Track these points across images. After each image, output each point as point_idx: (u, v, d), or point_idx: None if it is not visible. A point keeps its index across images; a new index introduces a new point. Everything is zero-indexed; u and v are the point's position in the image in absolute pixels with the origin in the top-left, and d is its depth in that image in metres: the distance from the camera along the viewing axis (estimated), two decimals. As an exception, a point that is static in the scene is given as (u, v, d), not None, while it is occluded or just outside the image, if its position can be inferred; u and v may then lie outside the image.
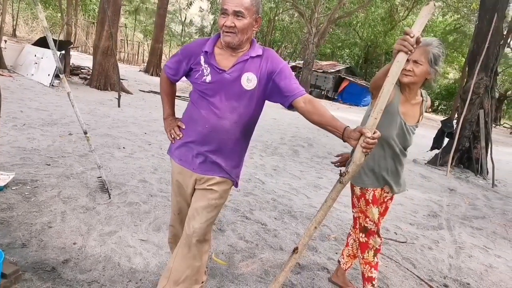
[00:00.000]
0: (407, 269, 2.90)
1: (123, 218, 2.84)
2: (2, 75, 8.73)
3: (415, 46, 1.44)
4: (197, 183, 1.73)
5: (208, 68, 1.60)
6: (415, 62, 1.90)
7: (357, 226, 2.17)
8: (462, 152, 7.77)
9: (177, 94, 1.99)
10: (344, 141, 1.48)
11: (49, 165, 3.61)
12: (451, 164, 7.41)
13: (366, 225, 2.10)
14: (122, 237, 2.57)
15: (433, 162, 7.90)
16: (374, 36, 30.11)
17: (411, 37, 1.43)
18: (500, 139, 18.13)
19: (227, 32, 1.52)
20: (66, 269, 2.10)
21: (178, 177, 1.78)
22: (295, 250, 1.75)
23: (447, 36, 24.39)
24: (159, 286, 1.81)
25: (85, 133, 3.01)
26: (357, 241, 2.22)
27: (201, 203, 1.70)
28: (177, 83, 1.87)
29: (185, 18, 32.04)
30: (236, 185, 1.79)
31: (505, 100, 33.31)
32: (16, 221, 2.50)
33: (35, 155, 3.81)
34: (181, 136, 1.71)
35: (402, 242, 3.43)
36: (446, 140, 7.90)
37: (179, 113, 1.83)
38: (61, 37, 16.54)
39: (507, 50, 18.77)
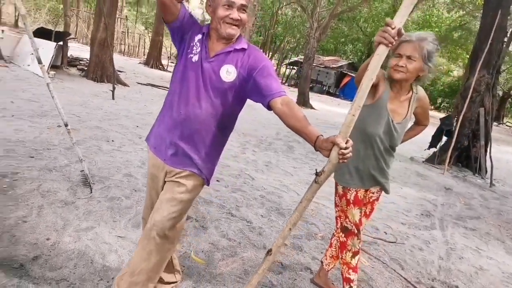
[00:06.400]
0: (394, 270, 2.82)
1: (102, 214, 2.77)
2: (-2, 65, 8.65)
3: (396, 38, 1.35)
4: (167, 176, 1.67)
5: (199, 47, 1.56)
6: (408, 57, 1.81)
7: (338, 226, 2.09)
8: (461, 150, 7.66)
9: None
10: (316, 150, 1.41)
11: (32, 157, 3.53)
12: (449, 162, 7.31)
13: (346, 225, 2.02)
14: (98, 233, 2.50)
15: (430, 160, 7.80)
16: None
17: (392, 29, 1.34)
18: (501, 137, 17.98)
19: (233, 24, 1.49)
20: (35, 266, 2.02)
21: (152, 169, 1.74)
22: (268, 252, 1.66)
23: (452, 33, 24.05)
24: (120, 273, 1.79)
25: (66, 125, 2.92)
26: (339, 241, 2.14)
27: (166, 195, 1.64)
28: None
29: (187, 11, 31.70)
30: (208, 183, 1.71)
31: (509, 99, 32.99)
32: (-10, 214, 2.43)
33: (20, 146, 3.73)
34: None
35: (392, 242, 3.35)
36: (444, 138, 7.78)
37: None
38: (60, 28, 16.41)
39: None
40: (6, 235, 2.25)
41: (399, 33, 1.36)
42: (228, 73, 1.54)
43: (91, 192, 3.06)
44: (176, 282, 2.02)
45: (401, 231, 3.69)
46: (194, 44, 1.57)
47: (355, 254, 2.04)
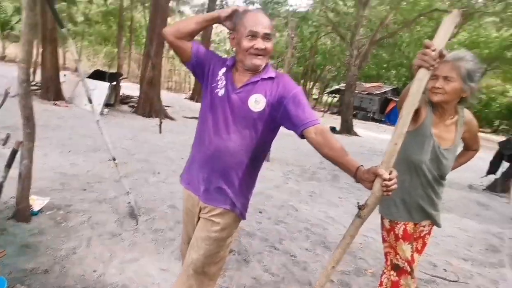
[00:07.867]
0: (458, 314, 2.51)
1: (146, 246, 2.80)
2: (59, 105, 9.51)
3: (437, 60, 1.27)
4: (201, 211, 1.63)
5: (224, 81, 1.55)
6: (445, 78, 1.70)
7: (388, 263, 1.92)
8: (527, 177, 6.94)
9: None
10: (357, 182, 1.33)
11: (85, 190, 3.73)
12: (514, 190, 6.63)
13: (397, 262, 1.85)
14: (142, 265, 2.51)
15: (492, 188, 7.15)
16: (422, 56, 28.82)
17: (432, 51, 1.26)
18: None
19: (258, 55, 1.47)
20: (81, 299, 2.06)
21: (187, 203, 1.72)
22: (312, 290, 1.56)
23: (504, 52, 22.69)
24: None
25: (114, 159, 3.07)
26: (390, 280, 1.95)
27: (201, 233, 1.59)
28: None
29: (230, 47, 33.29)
30: (243, 217, 1.65)
31: None
32: (44, 246, 2.55)
33: (74, 180, 3.97)
34: None
35: (453, 281, 3.02)
36: (506, 164, 7.13)
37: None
38: (114, 69, 17.83)
39: None
40: (57, 266, 2.34)
41: (440, 55, 1.28)
42: (257, 102, 1.50)
43: (137, 224, 3.13)
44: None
45: (463, 268, 3.33)
46: (219, 78, 1.56)
47: (410, 295, 1.85)
